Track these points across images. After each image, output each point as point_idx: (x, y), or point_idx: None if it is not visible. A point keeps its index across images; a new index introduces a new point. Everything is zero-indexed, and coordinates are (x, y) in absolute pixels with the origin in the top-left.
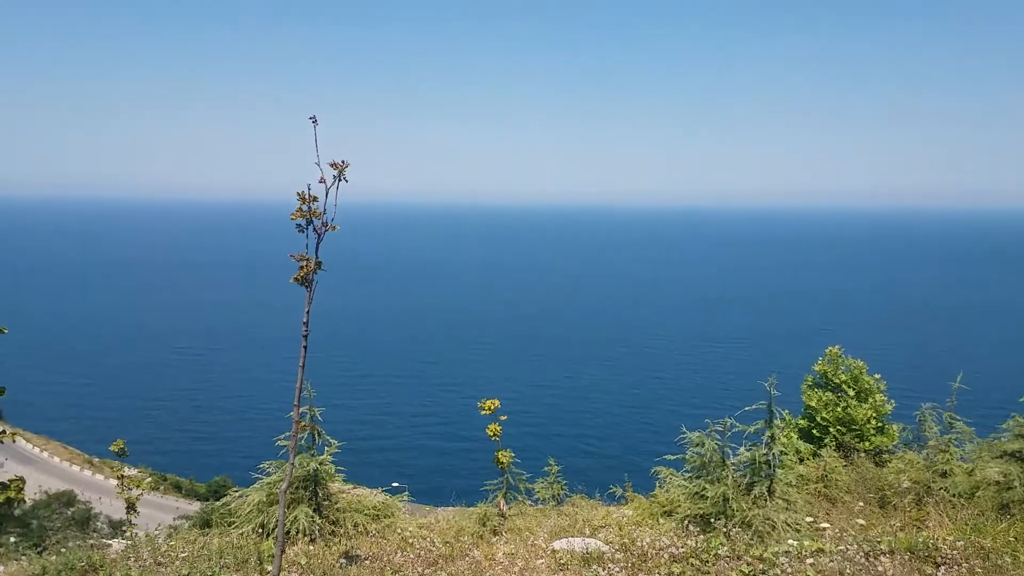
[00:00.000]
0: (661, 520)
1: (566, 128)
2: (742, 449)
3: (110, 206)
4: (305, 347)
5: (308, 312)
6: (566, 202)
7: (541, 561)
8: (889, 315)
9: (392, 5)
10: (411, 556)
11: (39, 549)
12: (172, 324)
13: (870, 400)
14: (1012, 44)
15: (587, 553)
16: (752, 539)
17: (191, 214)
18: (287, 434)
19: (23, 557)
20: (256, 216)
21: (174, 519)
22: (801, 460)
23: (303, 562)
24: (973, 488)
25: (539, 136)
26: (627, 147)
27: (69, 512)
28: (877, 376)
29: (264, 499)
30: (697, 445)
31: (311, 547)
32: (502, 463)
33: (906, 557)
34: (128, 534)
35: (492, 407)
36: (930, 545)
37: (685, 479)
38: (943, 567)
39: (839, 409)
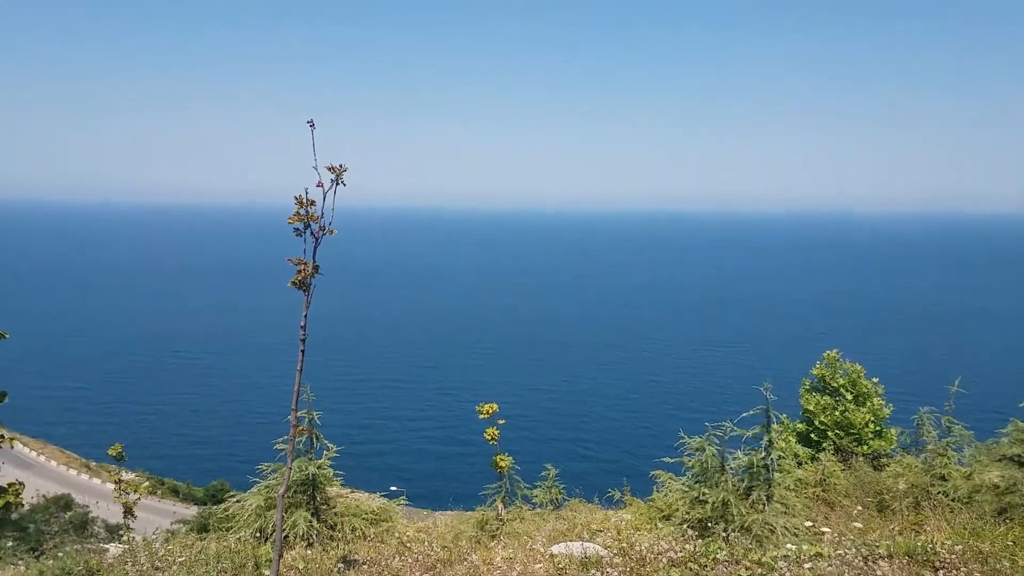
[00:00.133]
0: (659, 524)
1: (566, 130)
2: (739, 453)
3: (109, 210)
4: (303, 351)
5: (306, 316)
6: (565, 205)
7: (539, 565)
8: (887, 319)
9: (391, 6)
10: (409, 561)
11: (36, 554)
12: (170, 328)
13: (868, 404)
14: (1013, 46)
15: (585, 557)
16: (751, 544)
17: (189, 218)
18: (285, 438)
19: (20, 562)
20: (254, 220)
21: (171, 523)
22: (799, 464)
23: (300, 566)
24: (972, 492)
25: (538, 139)
26: (627, 149)
27: (66, 516)
28: (875, 380)
29: (262, 503)
30: (697, 450)
31: (309, 551)
32: (500, 467)
33: (904, 561)
34: (125, 538)
35: (490, 411)
36: (928, 549)
37: (684, 484)
38: (941, 571)
39: (837, 413)
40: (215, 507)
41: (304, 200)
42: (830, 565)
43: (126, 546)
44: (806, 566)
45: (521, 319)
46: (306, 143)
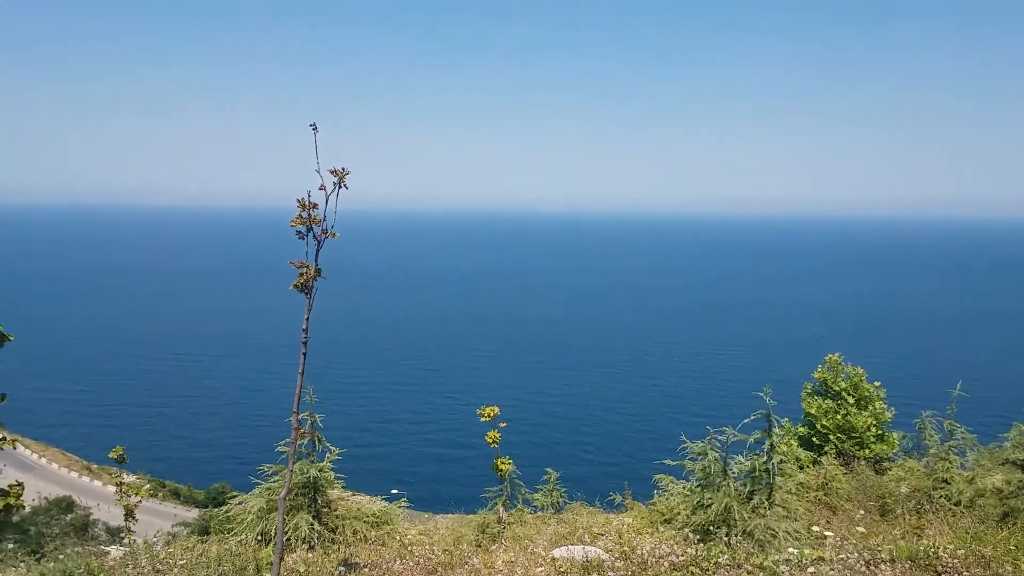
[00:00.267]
0: (661, 528)
1: (566, 132)
2: (740, 458)
3: (110, 213)
4: (305, 354)
5: (308, 319)
6: (566, 208)
7: (541, 569)
8: (889, 323)
9: (391, 6)
10: (410, 564)
11: (37, 556)
12: (171, 330)
13: (870, 408)
14: (1013, 48)
15: (587, 561)
16: (753, 548)
17: (190, 221)
18: (287, 440)
19: (21, 564)
20: (255, 222)
21: (172, 526)
22: (801, 468)
23: (301, 570)
24: (975, 496)
25: (539, 140)
26: (627, 152)
27: (67, 519)
28: (877, 384)
29: (264, 505)
30: (699, 455)
31: (310, 555)
32: (501, 470)
33: (907, 565)
34: (126, 541)
35: (491, 414)
36: (931, 553)
37: (686, 488)
38: (944, 575)
39: (839, 417)
40: (216, 509)
41: (307, 203)
42: (832, 569)
43: (127, 549)
44: (808, 570)
45: (522, 322)
46: (306, 145)
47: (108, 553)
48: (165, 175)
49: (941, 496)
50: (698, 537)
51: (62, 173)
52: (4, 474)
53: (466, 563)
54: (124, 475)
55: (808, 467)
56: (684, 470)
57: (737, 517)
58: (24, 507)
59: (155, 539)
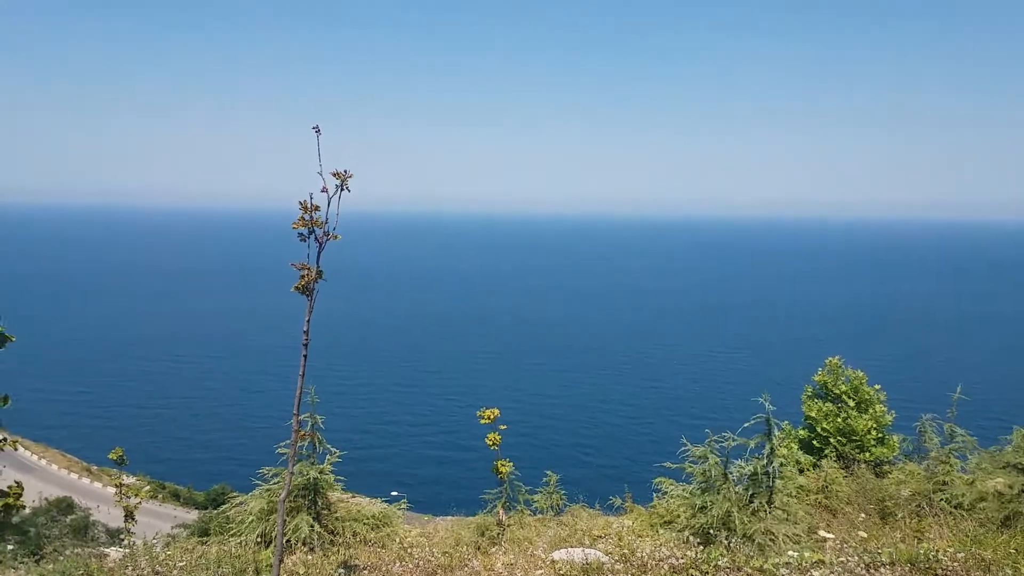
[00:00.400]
0: (661, 531)
1: (566, 133)
2: (740, 462)
3: (110, 213)
4: (305, 356)
5: (309, 321)
6: (566, 209)
7: (540, 572)
8: (888, 326)
9: (391, 6)
10: (410, 566)
11: (36, 557)
12: (171, 332)
13: (870, 411)
14: (1014, 51)
15: (587, 563)
16: (753, 551)
17: (191, 222)
18: (287, 442)
19: (21, 565)
20: (256, 224)
21: (172, 527)
22: (801, 471)
23: (301, 572)
24: (975, 500)
25: (539, 142)
26: (628, 153)
27: (67, 520)
28: (877, 387)
29: (265, 506)
30: (700, 458)
31: (309, 556)
32: (501, 473)
33: (907, 569)
34: (126, 543)
35: (491, 416)
36: (931, 557)
37: (686, 492)
38: None
39: (839, 420)
40: (216, 511)
41: (308, 205)
42: (832, 573)
43: (127, 550)
44: (808, 574)
45: (522, 323)
46: (307, 145)
47: (107, 555)
48: (165, 176)
49: (941, 499)
50: (698, 540)
51: (62, 173)
52: (4, 475)
53: (466, 565)
54: (124, 476)
55: (808, 470)
56: (684, 473)
57: (737, 521)
58: (24, 508)
59: (155, 541)
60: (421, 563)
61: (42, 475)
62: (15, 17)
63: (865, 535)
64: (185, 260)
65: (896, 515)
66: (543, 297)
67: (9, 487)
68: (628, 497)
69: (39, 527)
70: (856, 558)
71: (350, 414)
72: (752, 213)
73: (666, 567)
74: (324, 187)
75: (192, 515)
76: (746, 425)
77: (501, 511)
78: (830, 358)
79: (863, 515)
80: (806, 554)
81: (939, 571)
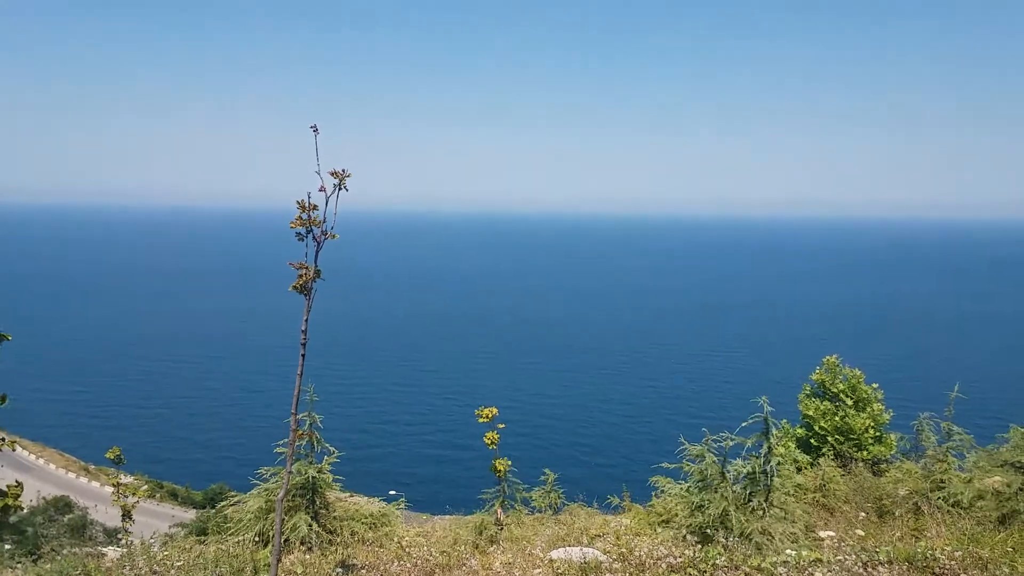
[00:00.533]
0: (659, 530)
1: (565, 133)
2: (739, 461)
3: (109, 213)
4: (303, 355)
5: (307, 320)
6: (565, 209)
7: (538, 571)
8: (887, 325)
9: (391, 7)
10: (408, 565)
11: (34, 557)
12: (170, 331)
13: (868, 409)
14: (1014, 51)
15: (585, 562)
16: (750, 550)
17: (190, 222)
18: (285, 441)
19: (18, 565)
20: (255, 223)
21: (170, 527)
22: (799, 470)
23: (299, 571)
24: (973, 498)
25: (538, 142)
26: (627, 153)
27: (65, 519)
28: (875, 385)
29: (263, 505)
30: (697, 457)
31: (307, 556)
32: (499, 471)
33: (904, 567)
34: (124, 542)
35: (490, 415)
36: (928, 555)
37: (683, 490)
38: None
39: (837, 418)
40: (214, 510)
41: (306, 204)
42: (830, 571)
43: (124, 550)
44: (806, 572)
45: (521, 323)
46: (306, 145)
47: (105, 554)
48: (165, 176)
49: (939, 498)
50: (696, 539)
51: (62, 173)
52: (2, 475)
53: (464, 564)
54: (121, 476)
55: (806, 469)
56: (682, 472)
57: (734, 520)
58: (22, 507)
59: (152, 540)
60: (419, 562)
61: (40, 474)
62: (15, 17)
63: (863, 533)
64: (184, 260)
65: (894, 513)
66: (542, 297)
67: (8, 487)
68: (626, 496)
69: (37, 527)
70: (854, 557)
71: (348, 413)
72: (752, 212)
73: (664, 566)
74: (322, 186)
75: (190, 514)
76: (744, 424)
77: (499, 510)
78: (828, 357)
79: (863, 514)
80: (804, 553)
81: (937, 569)
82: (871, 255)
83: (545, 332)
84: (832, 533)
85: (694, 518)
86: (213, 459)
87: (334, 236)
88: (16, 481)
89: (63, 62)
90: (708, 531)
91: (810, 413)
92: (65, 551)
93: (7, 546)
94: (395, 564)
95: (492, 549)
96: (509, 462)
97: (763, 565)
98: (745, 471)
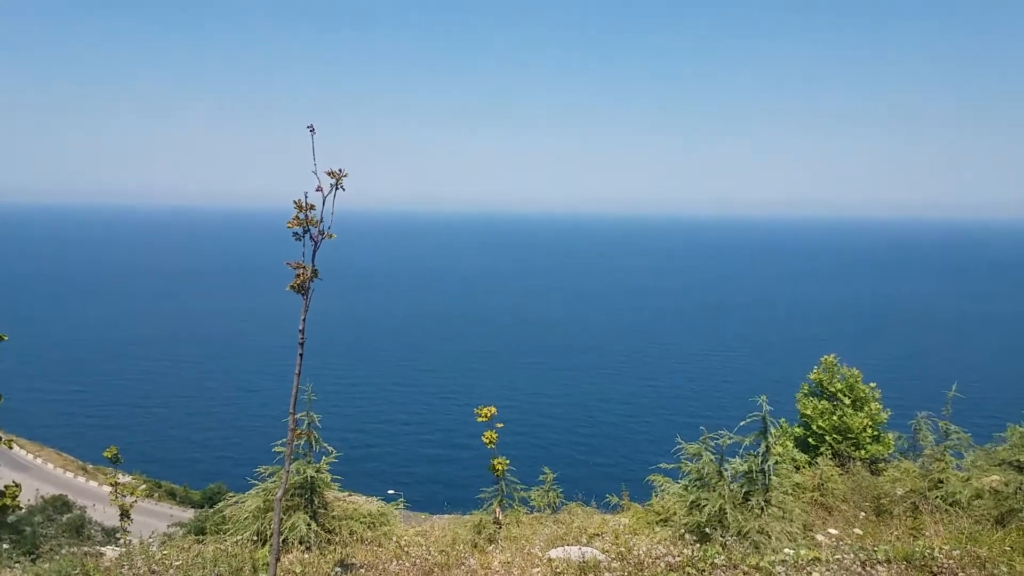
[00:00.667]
0: (657, 529)
1: (565, 134)
2: (737, 460)
3: (108, 213)
4: (301, 355)
5: (304, 320)
6: (564, 209)
7: (537, 570)
8: (885, 325)
9: (392, 8)
10: (406, 565)
11: (33, 556)
12: (168, 331)
13: (866, 409)
14: (1014, 51)
15: (583, 562)
16: (748, 548)
17: (187, 222)
18: (284, 440)
19: (17, 564)
20: (253, 223)
21: (168, 526)
22: (797, 469)
23: (298, 570)
24: (971, 497)
25: (537, 142)
26: (627, 153)
27: (63, 519)
28: (873, 385)
29: (261, 505)
30: (694, 456)
31: (306, 555)
32: (498, 470)
33: (903, 566)
34: (122, 541)
35: (488, 414)
36: (926, 554)
37: (681, 488)
38: None
39: (835, 418)
40: (212, 509)
41: (303, 204)
42: (828, 570)
43: (123, 549)
44: (804, 571)
45: (520, 322)
46: (305, 146)
47: (104, 554)
48: (165, 175)
49: (937, 497)
50: (694, 538)
51: (62, 173)
52: (0, 474)
53: (462, 564)
54: (119, 475)
55: (804, 468)
56: (681, 472)
57: (731, 518)
58: (20, 508)
59: (151, 540)
60: (418, 561)
61: (38, 474)
62: (15, 17)
63: (861, 532)
64: (182, 260)
65: (892, 512)
66: (541, 296)
67: (6, 487)
68: (625, 495)
69: (35, 526)
70: (852, 555)
71: (347, 413)
72: (751, 212)
73: (662, 565)
74: (319, 186)
75: (188, 514)
76: (742, 423)
77: (498, 509)
78: (826, 356)
79: (862, 514)
80: (802, 552)
81: (935, 568)
82: (870, 255)
83: (544, 332)
84: (834, 531)
85: (692, 517)
86: (211, 458)
87: (331, 236)
88: (14, 482)
89: (63, 62)
90: (707, 530)
91: (808, 412)
92: (64, 550)
93: (5, 545)
94: (394, 563)
95: (491, 548)
96: (507, 461)
97: (761, 564)
98: (743, 469)
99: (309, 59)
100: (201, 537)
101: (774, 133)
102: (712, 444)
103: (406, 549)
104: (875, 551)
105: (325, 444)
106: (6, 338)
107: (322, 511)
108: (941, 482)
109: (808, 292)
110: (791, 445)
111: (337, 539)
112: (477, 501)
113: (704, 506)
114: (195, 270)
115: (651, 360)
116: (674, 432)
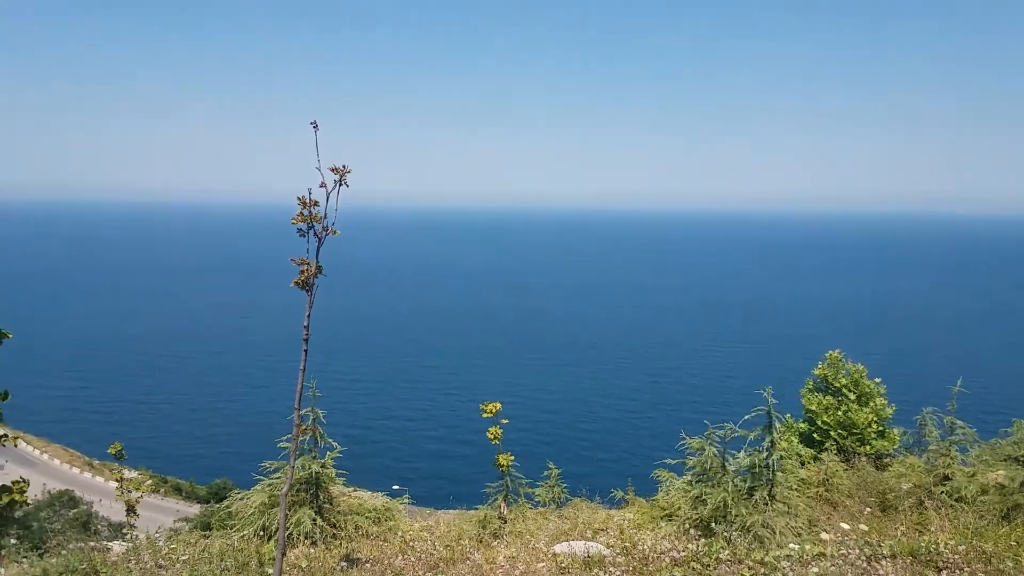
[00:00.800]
0: (662, 524)
1: (565, 130)
2: (742, 454)
3: (109, 210)
4: (306, 351)
5: (309, 316)
6: (566, 205)
7: (542, 564)
8: (889, 320)
9: (392, 8)
10: (412, 559)
11: (40, 551)
12: (173, 327)
13: (871, 404)
14: (1014, 46)
15: (588, 556)
16: (753, 543)
17: (190, 218)
18: (288, 436)
19: (24, 559)
20: (256, 219)
21: (174, 521)
22: (802, 464)
23: (304, 564)
24: (976, 492)
25: (538, 138)
26: (627, 149)
27: (70, 514)
28: (878, 380)
29: (266, 500)
30: (698, 450)
31: (312, 550)
32: (502, 466)
33: (908, 561)
34: (129, 536)
35: (494, 410)
36: (932, 549)
37: (685, 483)
38: (944, 571)
39: (840, 413)
40: (218, 505)
41: (307, 201)
42: (833, 565)
43: (130, 544)
44: (809, 566)
45: (523, 319)
46: (307, 144)
47: (111, 548)
48: (164, 172)
49: (942, 492)
50: (699, 533)
51: (63, 171)
52: (6, 470)
53: (468, 558)
54: (125, 471)
55: (809, 463)
56: (685, 467)
57: (734, 512)
58: (28, 503)
59: (157, 534)
60: (423, 556)
61: (44, 470)
62: (15, 17)
63: (866, 528)
64: (186, 256)
65: (897, 508)
66: (544, 292)
67: (14, 482)
68: (631, 491)
69: (42, 521)
70: (857, 550)
71: (351, 409)
72: (753, 208)
73: (667, 560)
74: (323, 182)
75: (194, 509)
76: (747, 417)
77: (503, 505)
78: (830, 352)
79: (867, 509)
80: (807, 546)
81: (940, 563)
82: (873, 250)
83: (548, 328)
84: (846, 526)
85: (696, 511)
86: (216, 454)
87: (335, 232)
88: (21, 477)
89: (62, 61)
90: (711, 525)
91: (813, 408)
92: (71, 545)
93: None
94: (399, 558)
95: (496, 543)
96: (512, 457)
97: (766, 559)
98: (747, 464)
99: (309, 59)
100: (207, 532)
101: (775, 128)
102: (716, 438)
103: (411, 544)
104: (880, 546)
105: (330, 440)
106: (10, 335)
107: (327, 506)
108: (946, 477)
109: (810, 288)
110: (796, 441)
111: (342, 534)
112: (482, 496)
113: (707, 500)
114: (197, 266)
115: (654, 356)
116: (678, 428)
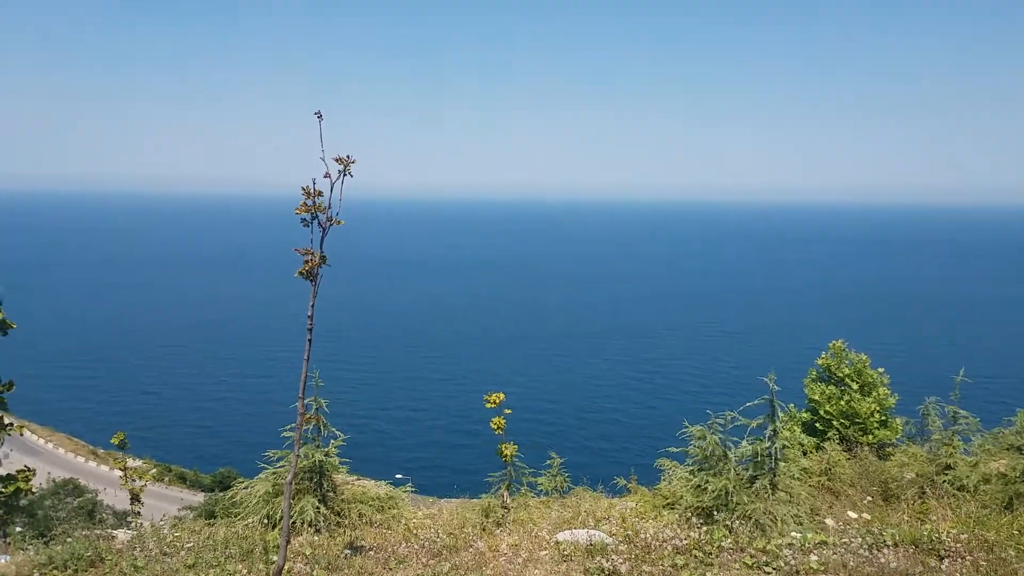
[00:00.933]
0: (664, 512)
1: (565, 121)
2: (744, 442)
3: (110, 200)
4: (310, 340)
5: (313, 306)
6: (568, 195)
7: (545, 552)
8: (892, 310)
9: (393, 5)
10: (415, 547)
11: (45, 539)
12: (177, 317)
13: (873, 394)
14: (1013, 36)
15: (591, 544)
16: (754, 531)
17: (194, 208)
18: (292, 425)
19: (30, 547)
20: (260, 210)
21: (179, 510)
22: (804, 453)
23: (308, 552)
24: (979, 481)
25: (539, 129)
26: (627, 139)
27: (75, 502)
28: (881, 370)
29: (271, 489)
30: (699, 438)
31: (316, 537)
32: (505, 455)
33: (910, 550)
34: (133, 524)
35: (497, 400)
36: (934, 538)
37: (687, 472)
38: (947, 560)
39: (842, 403)
40: (222, 493)
41: (311, 191)
42: (835, 553)
43: (135, 532)
44: (811, 554)
45: (527, 309)
46: (311, 136)
47: (116, 536)
48: (166, 163)
49: (944, 481)
50: (701, 521)
51: (60, 161)
52: (12, 459)
53: (471, 546)
54: (129, 460)
55: (811, 452)
56: (687, 456)
57: (736, 501)
58: (33, 492)
59: (162, 522)
60: (427, 544)
61: (49, 458)
62: (15, 16)
63: (868, 516)
64: (189, 246)
65: (899, 497)
66: (547, 283)
67: (20, 471)
68: (633, 479)
69: (47, 509)
70: (859, 539)
71: (355, 399)
72: (755, 199)
73: (669, 548)
74: (327, 172)
75: (198, 497)
76: (749, 405)
77: (506, 493)
78: (834, 341)
79: (869, 498)
80: (809, 535)
81: (942, 552)
82: (875, 240)
83: (550, 318)
84: (854, 514)
85: (698, 499)
86: (220, 443)
87: (339, 222)
88: (26, 466)
89: (62, 56)
90: (713, 513)
91: (816, 397)
92: (76, 533)
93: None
94: (403, 545)
95: (499, 531)
96: (516, 446)
97: (768, 547)
98: (749, 452)
99: (312, 51)
100: (211, 520)
101: (776, 120)
102: (718, 426)
103: (415, 532)
104: (883, 535)
105: (333, 429)
106: (15, 326)
107: (331, 494)
108: (949, 467)
109: (813, 278)
110: (798, 430)
111: (346, 522)
112: (485, 485)
113: (708, 488)
114: (201, 256)
115: (656, 345)
116: (681, 416)
